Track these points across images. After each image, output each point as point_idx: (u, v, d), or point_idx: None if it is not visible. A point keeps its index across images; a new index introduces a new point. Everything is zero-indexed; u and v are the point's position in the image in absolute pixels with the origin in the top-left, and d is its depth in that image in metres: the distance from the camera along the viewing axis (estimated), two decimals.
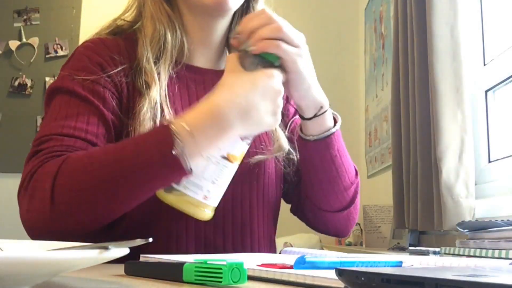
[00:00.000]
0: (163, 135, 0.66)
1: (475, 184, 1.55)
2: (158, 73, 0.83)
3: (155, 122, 0.79)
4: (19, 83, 3.16)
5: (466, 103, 1.55)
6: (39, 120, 3.12)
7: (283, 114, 0.97)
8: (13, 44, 3.20)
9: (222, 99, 0.69)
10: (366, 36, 3.06)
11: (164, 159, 0.65)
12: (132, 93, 0.83)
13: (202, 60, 0.92)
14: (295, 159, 0.92)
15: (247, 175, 0.87)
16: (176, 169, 0.66)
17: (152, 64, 0.83)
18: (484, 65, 1.68)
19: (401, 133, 1.83)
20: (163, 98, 0.82)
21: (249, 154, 0.88)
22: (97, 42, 0.87)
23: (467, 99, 1.56)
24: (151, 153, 0.66)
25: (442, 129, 1.52)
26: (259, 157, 0.88)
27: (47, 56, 3.20)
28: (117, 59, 0.84)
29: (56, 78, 0.87)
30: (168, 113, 0.82)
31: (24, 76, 3.17)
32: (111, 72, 0.82)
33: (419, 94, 1.66)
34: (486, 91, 1.66)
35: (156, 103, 0.81)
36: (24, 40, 3.21)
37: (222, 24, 0.91)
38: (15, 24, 3.23)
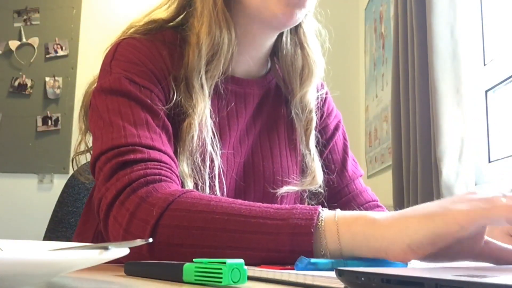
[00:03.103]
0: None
1: (475, 184, 1.55)
2: (203, 84, 0.77)
3: (202, 142, 0.75)
4: (19, 83, 3.16)
5: (466, 103, 1.55)
6: (39, 120, 3.12)
7: (321, 132, 0.94)
8: (13, 44, 3.20)
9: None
10: (366, 36, 3.06)
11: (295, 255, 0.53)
12: (177, 105, 0.76)
13: (244, 69, 0.87)
14: (322, 193, 0.87)
15: (263, 200, 0.82)
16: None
17: (204, 76, 0.77)
18: (484, 65, 1.68)
19: (401, 133, 1.83)
20: (207, 114, 0.77)
21: (277, 183, 0.86)
22: (146, 44, 0.79)
23: (467, 99, 1.56)
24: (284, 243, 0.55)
25: (442, 129, 1.52)
26: (288, 188, 0.84)
27: (47, 56, 3.19)
28: (165, 68, 0.78)
29: (101, 73, 0.79)
30: (212, 132, 0.77)
31: (24, 76, 3.17)
32: (162, 81, 0.77)
33: (419, 94, 1.66)
34: (486, 91, 1.66)
35: (202, 119, 0.76)
36: (24, 40, 3.20)
37: (275, 36, 0.87)
38: (15, 24, 3.22)
